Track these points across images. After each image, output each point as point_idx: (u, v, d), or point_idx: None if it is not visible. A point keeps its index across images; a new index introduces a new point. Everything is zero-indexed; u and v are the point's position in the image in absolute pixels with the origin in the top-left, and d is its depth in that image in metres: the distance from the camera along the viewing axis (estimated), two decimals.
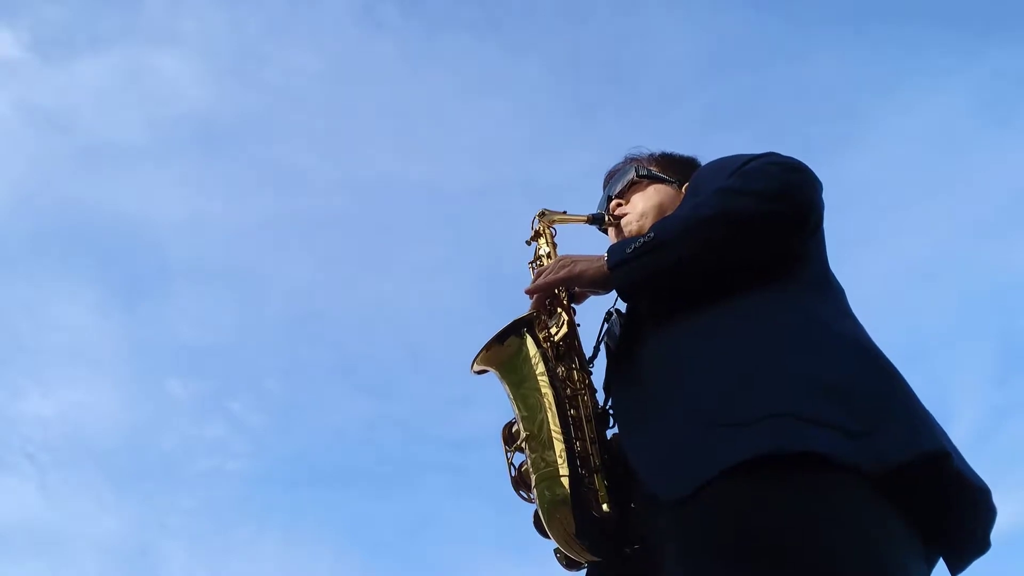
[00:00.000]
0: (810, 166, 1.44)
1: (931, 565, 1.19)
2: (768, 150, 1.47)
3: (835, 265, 1.48)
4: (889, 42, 5.43)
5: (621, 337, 1.51)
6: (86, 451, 5.39)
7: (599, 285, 1.50)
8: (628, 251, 1.41)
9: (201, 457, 5.50)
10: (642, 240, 1.40)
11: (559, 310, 1.58)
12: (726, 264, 1.36)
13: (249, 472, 5.52)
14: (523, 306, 1.57)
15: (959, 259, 5.34)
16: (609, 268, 1.43)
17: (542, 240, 1.78)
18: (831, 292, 1.39)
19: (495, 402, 1.59)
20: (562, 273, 1.51)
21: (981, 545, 1.21)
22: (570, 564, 1.40)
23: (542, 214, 1.79)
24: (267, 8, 5.63)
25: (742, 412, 1.16)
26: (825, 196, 1.42)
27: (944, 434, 1.21)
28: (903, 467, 1.10)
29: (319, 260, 5.85)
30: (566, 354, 1.55)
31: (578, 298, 1.64)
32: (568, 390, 1.49)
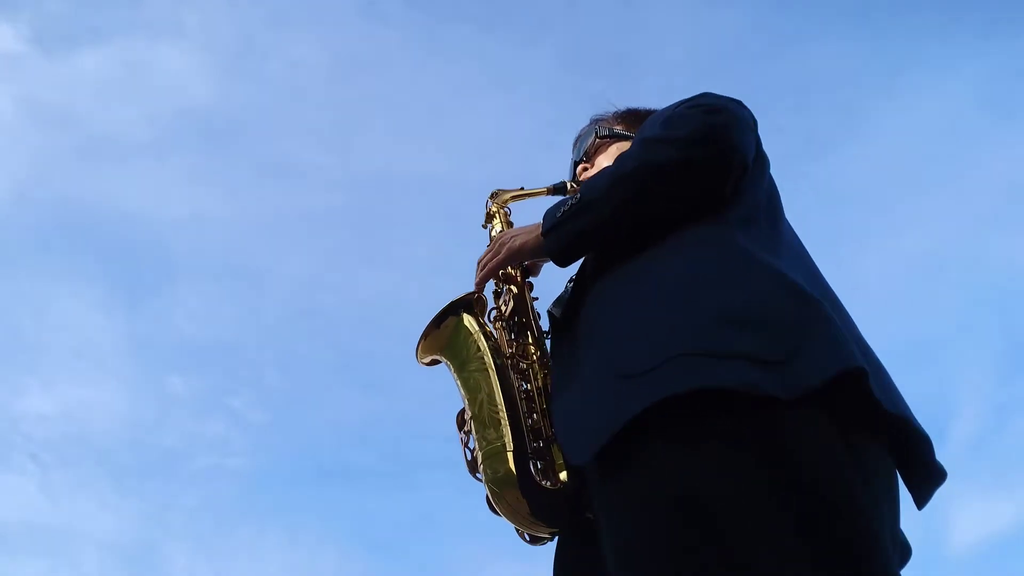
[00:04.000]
0: (806, 161, 1.41)
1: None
2: (702, 91, 1.40)
3: (836, 262, 1.40)
4: (891, 34, 5.39)
5: (566, 301, 1.46)
6: (87, 448, 5.41)
7: (539, 254, 1.46)
8: (558, 215, 1.37)
9: (202, 454, 5.51)
10: (571, 201, 1.37)
11: (510, 285, 1.56)
12: (655, 215, 1.31)
13: (250, 469, 5.53)
14: None
15: (961, 255, 5.30)
16: (542, 234, 1.40)
17: (496, 221, 1.72)
18: (758, 228, 1.29)
19: None
20: (503, 253, 1.48)
21: (927, 474, 1.13)
22: (533, 540, 1.38)
23: (494, 194, 1.75)
24: (270, 1, 5.61)
25: (645, 359, 1.09)
26: (824, 191, 1.40)
27: (867, 354, 1.13)
28: (822, 391, 1.01)
29: (321, 255, 5.85)
30: (521, 329, 1.53)
31: (533, 269, 1.61)
32: (522, 364, 1.46)
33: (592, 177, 1.42)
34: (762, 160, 1.40)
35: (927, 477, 1.13)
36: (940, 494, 1.16)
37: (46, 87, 5.53)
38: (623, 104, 1.79)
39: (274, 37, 5.81)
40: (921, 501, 1.14)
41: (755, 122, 1.41)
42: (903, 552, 1.17)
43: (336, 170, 5.88)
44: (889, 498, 1.10)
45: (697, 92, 1.41)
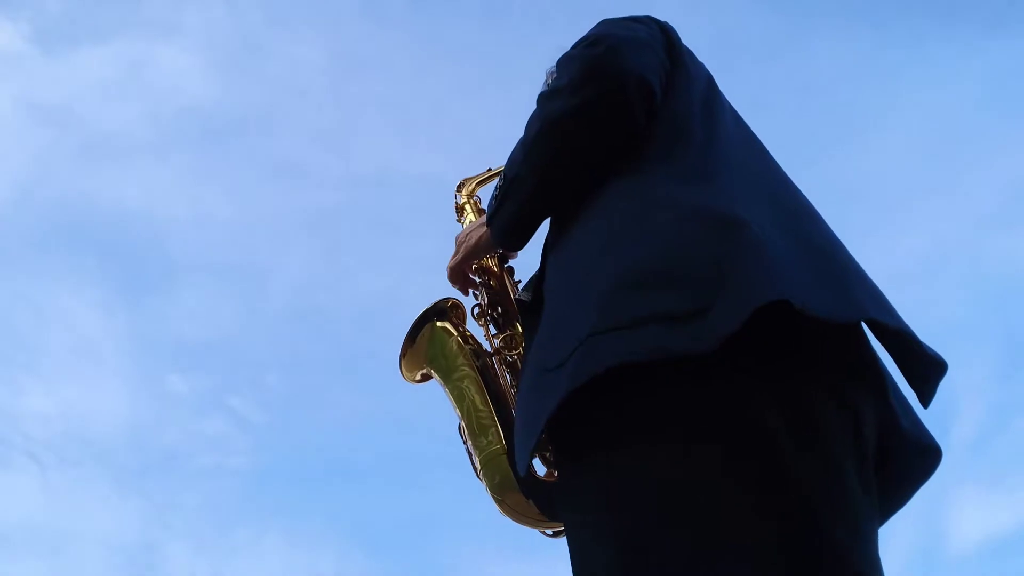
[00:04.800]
0: (808, 160, 1.28)
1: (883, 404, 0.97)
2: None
3: None
4: (893, 34, 5.36)
5: (534, 284, 1.32)
6: (87, 448, 5.42)
7: (493, 247, 1.40)
8: (493, 202, 1.29)
9: (202, 454, 5.51)
10: (499, 183, 1.28)
11: (485, 278, 1.51)
12: (579, 171, 1.17)
13: (251, 469, 5.53)
14: None
15: (962, 254, 5.28)
16: (486, 225, 1.32)
17: (467, 212, 1.66)
18: (685, 151, 1.12)
19: None
20: (461, 252, 1.43)
21: (924, 364, 0.98)
22: (557, 534, 1.33)
23: (460, 185, 1.68)
24: (270, 0, 5.61)
25: (560, 349, 0.97)
26: (826, 190, 1.31)
27: (816, 262, 0.96)
28: (746, 335, 0.84)
29: (321, 255, 5.84)
30: (507, 319, 1.47)
31: (509, 256, 1.54)
32: (510, 356, 1.42)
33: (511, 151, 1.30)
34: (687, 72, 1.23)
35: (920, 372, 0.98)
36: (940, 494, 1.11)
37: (46, 86, 5.54)
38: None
39: (274, 36, 5.81)
40: (925, 399, 0.99)
41: (665, 32, 1.25)
42: (928, 456, 1.03)
43: (337, 169, 5.88)
44: (849, 441, 0.91)
45: None
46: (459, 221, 1.69)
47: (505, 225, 1.28)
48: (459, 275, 1.48)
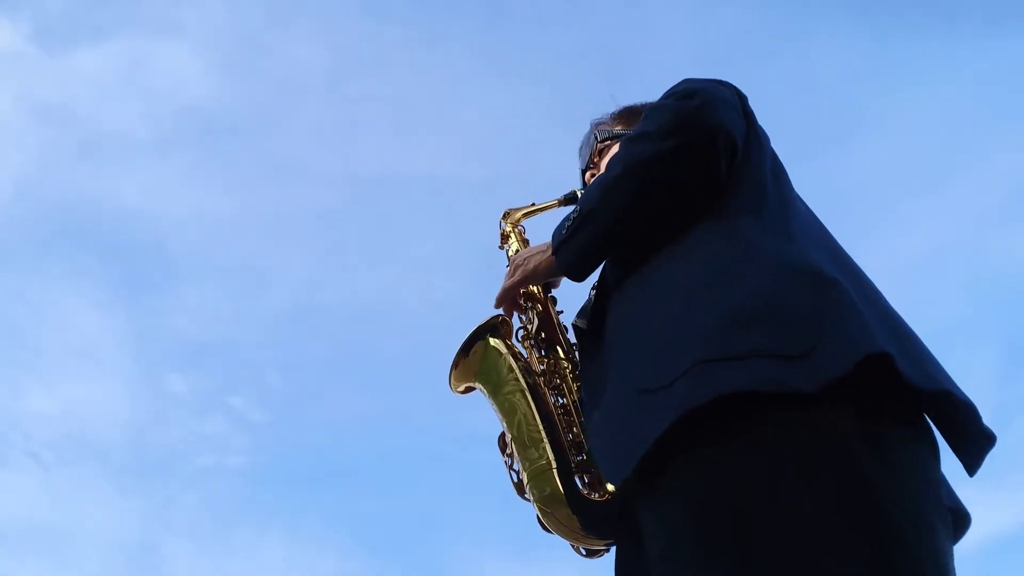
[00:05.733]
0: (808, 159, 1.39)
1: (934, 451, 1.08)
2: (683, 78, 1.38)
3: None
4: (893, 32, 5.37)
5: (590, 312, 1.44)
6: (88, 448, 5.41)
7: (554, 273, 1.47)
8: (563, 232, 1.37)
9: (202, 453, 5.51)
10: (572, 216, 1.37)
11: (533, 303, 1.57)
12: (654, 213, 1.28)
13: (251, 468, 5.52)
14: None
15: (963, 253, 5.28)
16: (553, 254, 1.40)
17: (512, 240, 1.75)
18: (766, 209, 1.24)
19: None
20: (517, 276, 1.49)
21: (978, 439, 1.09)
22: (590, 554, 1.38)
23: (506, 215, 1.77)
24: None
25: (663, 372, 1.06)
26: (826, 190, 1.37)
27: (897, 331, 1.10)
28: (848, 380, 0.96)
29: (321, 254, 5.85)
30: (550, 344, 1.54)
31: (553, 283, 1.61)
32: (556, 380, 1.47)
33: (588, 186, 1.42)
34: (758, 137, 1.36)
35: (975, 444, 1.09)
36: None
37: (47, 85, 5.53)
38: (620, 102, 1.77)
39: (275, 35, 5.81)
40: (972, 468, 1.10)
41: (741, 98, 1.37)
42: (958, 522, 1.12)
43: (337, 168, 5.88)
44: (922, 480, 1.03)
45: None
46: (501, 247, 1.77)
47: (575, 255, 1.37)
48: (510, 297, 1.54)
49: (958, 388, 1.09)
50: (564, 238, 1.37)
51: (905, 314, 1.20)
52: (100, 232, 5.66)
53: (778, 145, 1.43)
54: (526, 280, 1.50)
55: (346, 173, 5.78)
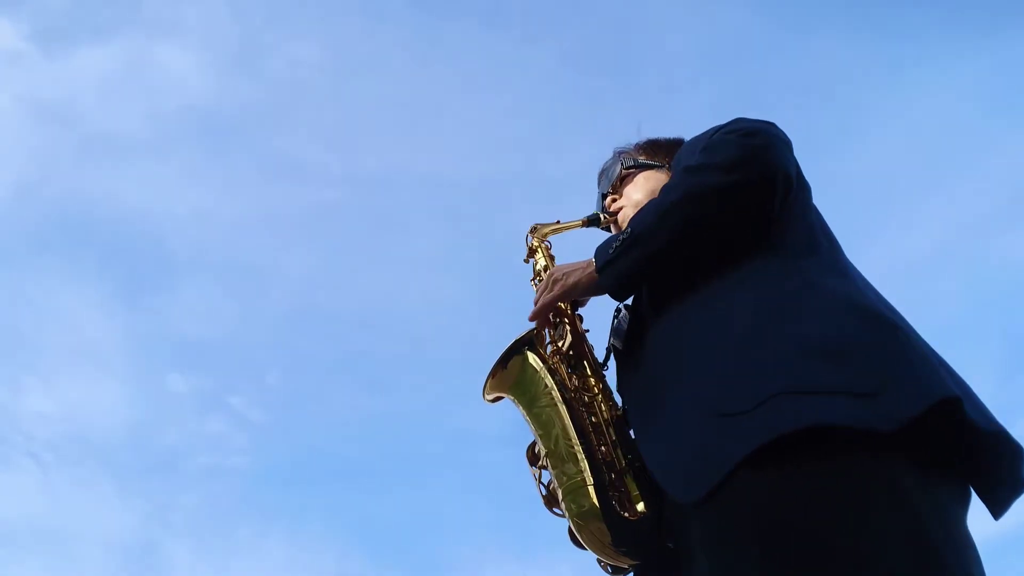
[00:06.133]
0: (809, 160, 1.43)
1: (967, 504, 1.15)
2: (737, 116, 1.45)
3: None
4: (893, 32, 5.38)
5: (627, 333, 1.50)
6: (88, 448, 5.40)
7: (593, 291, 1.50)
8: (611, 251, 1.41)
9: (202, 453, 5.51)
10: (622, 237, 1.40)
11: (563, 319, 1.59)
12: (707, 242, 1.35)
13: (250, 468, 5.52)
14: (529, 305, 1.56)
15: (963, 253, 5.30)
16: (597, 271, 1.44)
17: (538, 255, 1.78)
18: (820, 249, 1.34)
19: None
20: (556, 290, 1.51)
21: (1015, 485, 1.16)
22: (615, 571, 1.40)
23: (533, 230, 1.80)
24: None
25: (743, 398, 1.12)
26: (826, 189, 1.42)
27: (952, 376, 1.17)
28: (918, 420, 1.04)
29: (322, 254, 5.85)
30: (578, 361, 1.56)
31: (580, 301, 1.64)
32: (585, 397, 1.49)
33: (639, 211, 1.46)
34: (805, 183, 1.44)
35: (1011, 489, 1.16)
36: None
37: (47, 85, 5.52)
38: (644, 133, 1.86)
39: (275, 35, 5.81)
40: (999, 512, 1.17)
41: (791, 143, 1.44)
42: None
43: (337, 168, 5.88)
44: (965, 529, 1.11)
45: (703, 89, 1.47)
46: (526, 261, 1.80)
47: (622, 275, 1.41)
48: (549, 310, 1.56)
49: (1009, 433, 1.16)
50: (611, 258, 1.40)
51: (905, 314, 1.25)
52: (100, 231, 5.65)
53: None
54: (565, 295, 1.52)
55: (346, 172, 5.78)
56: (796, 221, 1.37)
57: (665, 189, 1.41)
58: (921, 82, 5.30)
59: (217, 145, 5.76)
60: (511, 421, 1.55)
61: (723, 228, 1.34)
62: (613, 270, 1.41)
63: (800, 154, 1.44)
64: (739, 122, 1.43)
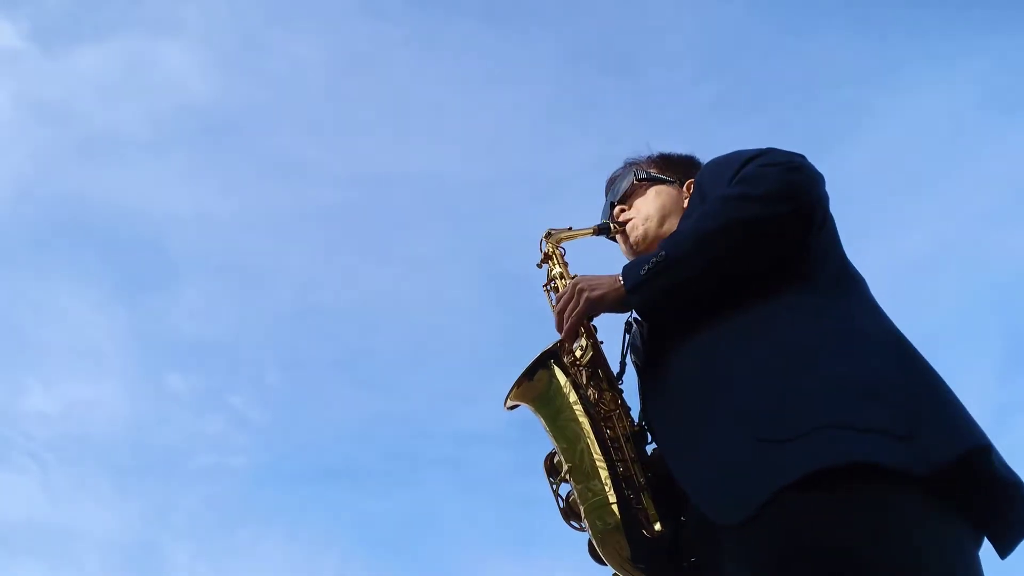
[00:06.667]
0: (808, 158, 1.45)
1: (980, 543, 1.21)
2: (768, 146, 1.48)
3: None
4: (893, 30, 5.38)
5: (647, 349, 1.52)
6: (88, 448, 5.39)
7: (618, 309, 1.52)
8: (642, 272, 1.42)
9: (202, 453, 5.50)
10: (654, 259, 1.41)
11: (581, 331, 1.58)
12: (741, 271, 1.38)
13: (250, 468, 5.52)
14: (529, 305, 1.57)
15: (963, 252, 5.29)
16: (627, 291, 1.45)
17: (553, 261, 1.78)
18: (855, 285, 1.40)
19: (498, 398, 1.59)
20: (583, 304, 1.51)
21: (1022, 528, 1.22)
22: None
23: (548, 235, 1.80)
24: None
25: (787, 426, 1.16)
26: (827, 187, 1.43)
27: (978, 425, 1.22)
28: (950, 465, 1.10)
29: (321, 253, 5.84)
30: (594, 375, 1.56)
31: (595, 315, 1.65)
32: (602, 412, 1.50)
33: (673, 235, 1.48)
34: (830, 215, 1.47)
35: (1020, 530, 1.22)
36: None
37: (46, 84, 5.49)
38: (655, 148, 1.88)
39: (274, 34, 5.79)
40: (1006, 551, 1.22)
41: (823, 177, 1.46)
42: None
43: (336, 167, 5.87)
44: (978, 564, 1.17)
45: (704, 87, 1.50)
46: (539, 266, 1.81)
47: (653, 296, 1.43)
48: (579, 324, 1.56)
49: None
50: (643, 279, 1.42)
51: (905, 314, 1.37)
52: (100, 231, 5.63)
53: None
54: (592, 309, 1.52)
55: (346, 171, 5.77)
56: (828, 254, 1.41)
57: (702, 216, 1.42)
58: (921, 80, 5.30)
59: (217, 144, 5.75)
60: (511, 422, 1.55)
61: (759, 258, 1.37)
62: (646, 291, 1.42)
63: (799, 151, 1.45)
64: (776, 154, 1.45)
